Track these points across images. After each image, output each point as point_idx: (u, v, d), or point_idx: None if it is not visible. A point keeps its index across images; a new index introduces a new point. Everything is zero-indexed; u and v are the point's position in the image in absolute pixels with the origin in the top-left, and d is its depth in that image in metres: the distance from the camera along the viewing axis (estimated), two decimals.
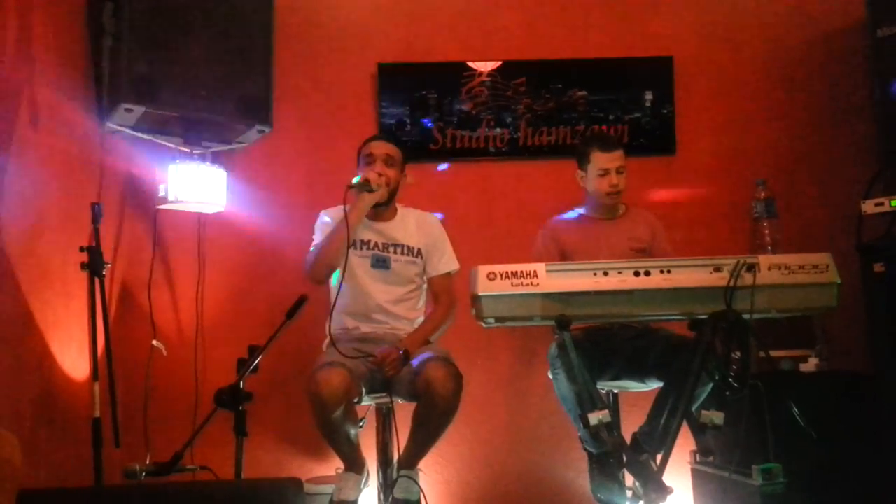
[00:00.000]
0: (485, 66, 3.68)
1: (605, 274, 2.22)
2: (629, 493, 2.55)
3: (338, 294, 2.68)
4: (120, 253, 3.27)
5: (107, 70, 2.97)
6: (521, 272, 2.21)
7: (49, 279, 2.68)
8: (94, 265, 2.62)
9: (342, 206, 2.73)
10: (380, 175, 2.80)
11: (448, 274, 2.96)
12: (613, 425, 2.43)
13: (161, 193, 3.14)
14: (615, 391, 2.95)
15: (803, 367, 3.08)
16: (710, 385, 2.44)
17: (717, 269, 2.22)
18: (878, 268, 3.04)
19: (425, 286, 2.98)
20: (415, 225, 2.97)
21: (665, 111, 3.68)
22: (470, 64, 3.67)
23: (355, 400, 2.61)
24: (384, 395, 2.72)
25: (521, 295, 2.20)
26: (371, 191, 2.77)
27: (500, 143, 3.67)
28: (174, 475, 2.47)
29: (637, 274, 2.22)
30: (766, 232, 3.26)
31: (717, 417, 2.29)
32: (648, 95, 3.69)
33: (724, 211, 3.64)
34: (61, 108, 2.86)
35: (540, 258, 2.91)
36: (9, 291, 2.44)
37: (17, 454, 1.76)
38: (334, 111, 3.65)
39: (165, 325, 3.42)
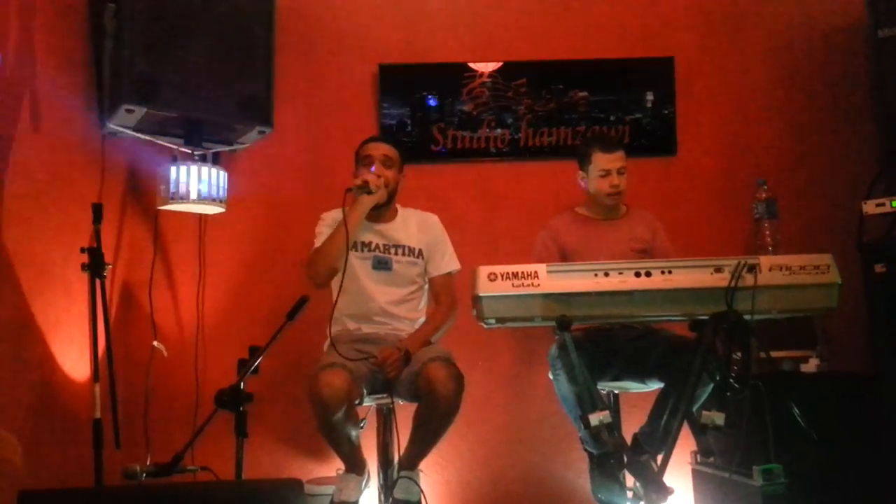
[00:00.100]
0: (485, 67, 3.67)
1: (606, 275, 2.22)
2: (630, 494, 2.55)
3: (338, 296, 2.68)
4: (121, 254, 3.28)
5: (108, 71, 2.97)
6: (522, 273, 2.21)
7: (50, 280, 2.68)
8: (94, 266, 2.61)
9: (342, 209, 2.73)
10: (378, 176, 2.81)
11: (449, 274, 2.96)
12: (614, 426, 2.43)
13: (162, 194, 3.14)
14: (616, 392, 2.95)
15: (804, 368, 3.08)
16: (711, 386, 2.44)
17: (718, 269, 2.22)
18: (879, 268, 3.04)
19: (427, 287, 2.98)
20: (415, 225, 2.97)
21: (666, 112, 3.68)
22: (471, 65, 3.67)
23: (356, 401, 2.61)
24: (385, 395, 2.72)
25: (522, 296, 2.20)
26: (370, 192, 2.77)
27: (500, 144, 3.67)
28: (175, 476, 2.47)
29: (638, 275, 2.22)
30: (767, 232, 3.26)
31: (717, 418, 2.29)
32: (649, 96, 3.68)
33: (725, 211, 3.64)
34: (62, 109, 2.86)
35: (540, 259, 2.91)
36: (9, 292, 2.44)
37: (18, 455, 1.76)
38: (335, 112, 3.65)
39: (166, 326, 3.42)
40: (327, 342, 2.81)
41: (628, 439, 2.65)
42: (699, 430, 2.33)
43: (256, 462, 3.14)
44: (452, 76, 3.66)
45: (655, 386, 2.79)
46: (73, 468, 2.69)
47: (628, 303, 2.24)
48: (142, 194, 3.39)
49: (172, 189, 3.09)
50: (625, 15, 3.75)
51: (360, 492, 2.69)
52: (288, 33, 3.44)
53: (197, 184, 3.11)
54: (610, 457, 2.50)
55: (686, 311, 2.30)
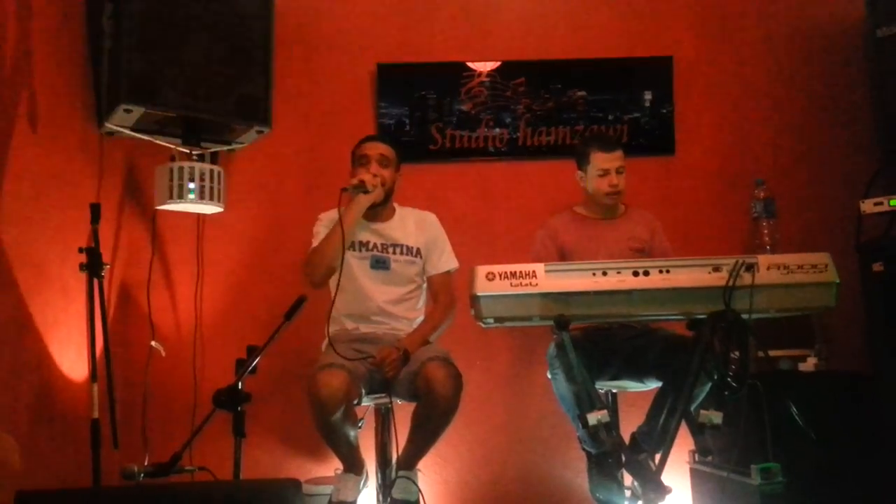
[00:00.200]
0: (484, 67, 3.67)
1: (604, 274, 2.22)
2: (628, 493, 2.55)
3: (335, 295, 2.68)
4: (119, 253, 3.28)
5: (106, 71, 2.97)
6: (520, 272, 2.21)
7: (48, 280, 2.67)
8: (92, 266, 2.61)
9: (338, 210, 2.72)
10: (375, 176, 2.80)
11: (447, 272, 2.96)
12: (612, 425, 2.43)
13: (160, 194, 3.13)
14: (614, 391, 2.95)
15: (802, 367, 3.08)
16: (709, 385, 2.44)
17: (716, 268, 2.22)
18: (877, 267, 3.04)
19: (425, 286, 2.98)
20: (413, 224, 2.97)
21: (664, 111, 3.68)
22: (469, 64, 3.67)
23: (355, 401, 2.60)
24: (383, 395, 2.72)
25: (520, 295, 2.20)
26: (367, 192, 2.77)
27: (499, 144, 3.67)
28: (173, 476, 2.46)
29: (636, 274, 2.22)
30: (765, 231, 3.26)
31: (715, 417, 2.29)
32: (648, 95, 3.69)
33: (724, 211, 3.64)
34: (60, 109, 2.85)
35: (539, 258, 2.91)
36: (7, 292, 2.44)
37: (16, 455, 1.76)
38: (333, 111, 3.65)
39: (164, 326, 3.42)
40: (325, 342, 2.81)
41: (626, 438, 2.65)
42: (697, 430, 2.34)
43: (255, 462, 3.14)
44: (451, 75, 3.66)
45: (653, 385, 2.79)
46: (70, 468, 2.68)
47: (626, 302, 2.24)
48: (140, 194, 3.39)
49: (171, 189, 3.09)
50: (623, 14, 3.75)
51: (359, 492, 2.69)
52: (286, 33, 3.43)
53: (195, 183, 3.11)
54: (608, 456, 2.50)
55: (684, 311, 2.30)
